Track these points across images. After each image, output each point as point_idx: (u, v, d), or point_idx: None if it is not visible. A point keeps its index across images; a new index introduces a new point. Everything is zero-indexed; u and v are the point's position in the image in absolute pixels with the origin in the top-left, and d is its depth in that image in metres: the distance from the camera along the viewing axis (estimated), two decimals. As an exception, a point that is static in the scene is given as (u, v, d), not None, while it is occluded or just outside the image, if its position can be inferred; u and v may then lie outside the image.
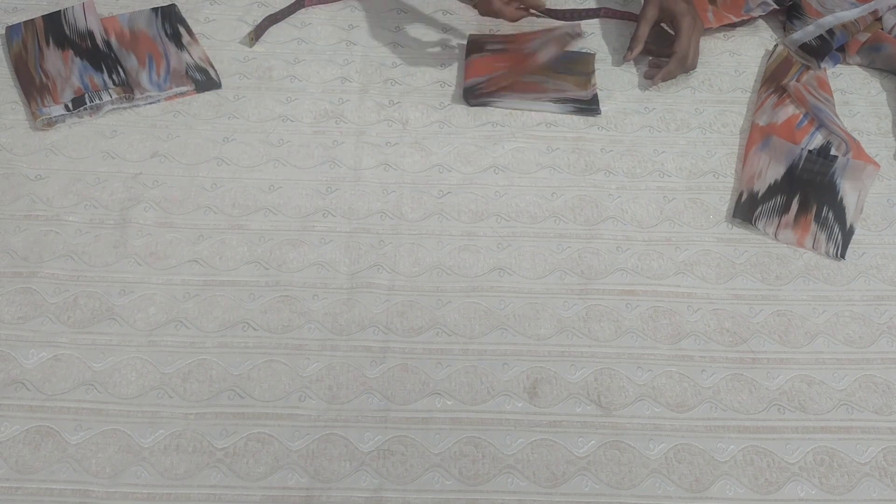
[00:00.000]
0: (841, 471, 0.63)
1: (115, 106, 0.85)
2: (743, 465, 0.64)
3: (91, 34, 0.89)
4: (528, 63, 0.88)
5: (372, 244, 0.76)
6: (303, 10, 0.97)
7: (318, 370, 0.68)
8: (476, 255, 0.76)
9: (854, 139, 0.83)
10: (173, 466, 0.62)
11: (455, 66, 0.93)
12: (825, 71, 0.91)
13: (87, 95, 0.83)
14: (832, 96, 0.89)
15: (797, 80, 0.89)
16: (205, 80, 0.88)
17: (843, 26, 0.92)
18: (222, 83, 0.89)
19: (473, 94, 0.88)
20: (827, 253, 0.77)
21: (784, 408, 0.67)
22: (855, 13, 0.92)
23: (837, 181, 0.80)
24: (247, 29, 0.95)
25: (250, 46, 0.93)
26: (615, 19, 0.98)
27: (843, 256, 0.77)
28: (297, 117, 0.87)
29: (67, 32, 0.89)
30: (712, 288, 0.74)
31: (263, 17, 0.95)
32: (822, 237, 0.77)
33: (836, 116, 0.87)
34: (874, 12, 0.92)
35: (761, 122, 0.86)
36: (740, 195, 0.80)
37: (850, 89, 0.92)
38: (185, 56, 0.89)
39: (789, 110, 0.86)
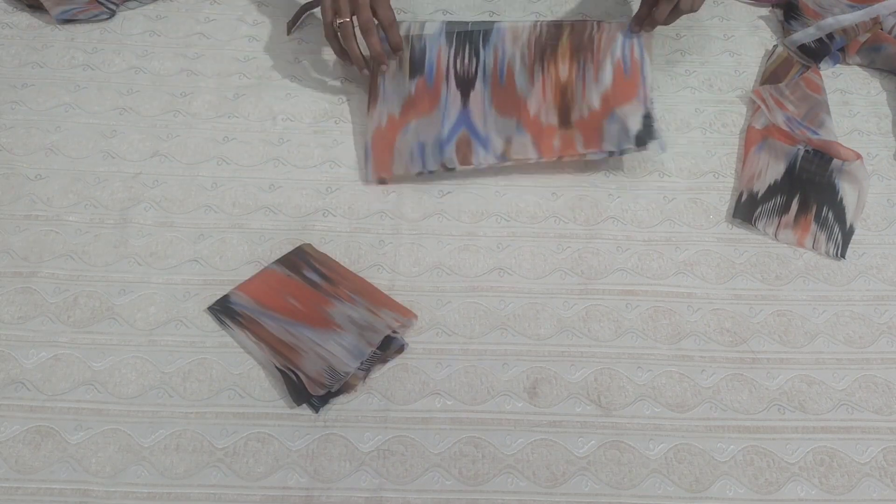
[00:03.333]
0: (841, 471, 0.63)
1: None
2: (743, 465, 0.64)
3: None
4: None
5: (372, 244, 0.76)
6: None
7: (318, 370, 0.68)
8: (476, 255, 0.76)
9: (828, 141, 0.82)
10: (173, 466, 0.62)
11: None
12: (817, 72, 0.91)
13: None
14: (822, 94, 0.89)
15: (796, 81, 0.89)
16: None
17: (843, 30, 0.92)
18: (221, 82, 0.89)
19: None
20: (827, 253, 0.77)
21: (784, 408, 0.67)
22: (856, 17, 0.92)
23: (836, 181, 0.80)
24: (247, 28, 0.95)
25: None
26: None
27: (843, 256, 0.77)
28: (297, 117, 0.87)
29: None
30: (712, 288, 0.74)
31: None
32: (822, 237, 0.77)
33: (828, 115, 0.86)
34: (874, 17, 0.92)
35: (758, 125, 0.86)
36: (740, 195, 0.80)
37: (850, 89, 0.92)
38: None
39: (784, 114, 0.87)
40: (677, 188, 0.82)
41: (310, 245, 0.75)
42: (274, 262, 0.73)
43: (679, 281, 0.75)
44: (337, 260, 0.74)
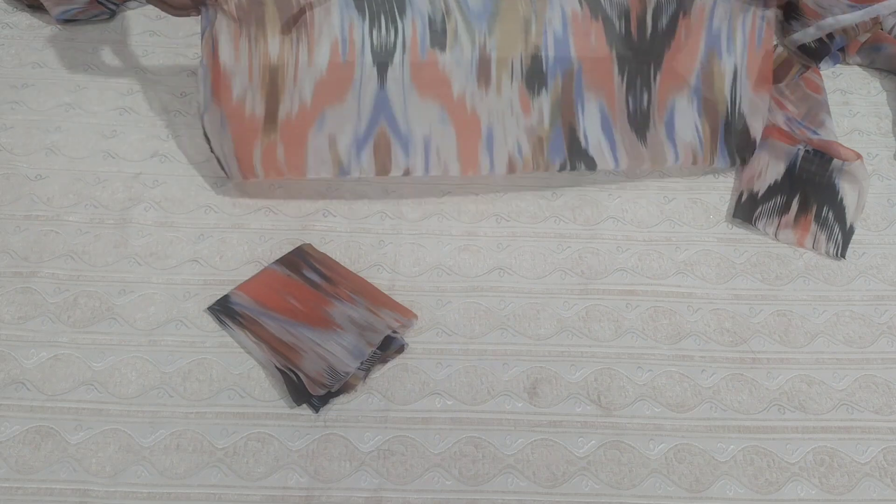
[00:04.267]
0: (841, 471, 0.63)
1: None
2: (743, 465, 0.64)
3: None
4: None
5: (372, 244, 0.76)
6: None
7: (318, 370, 0.68)
8: (476, 255, 0.76)
9: (828, 141, 0.82)
10: (173, 466, 0.62)
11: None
12: (817, 72, 0.91)
13: None
14: (822, 94, 0.89)
15: (796, 81, 0.89)
16: None
17: (843, 30, 0.92)
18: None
19: None
20: (827, 253, 0.77)
21: (784, 408, 0.67)
22: (856, 17, 0.92)
23: (836, 181, 0.80)
24: (247, 29, 0.95)
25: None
26: None
27: (843, 256, 0.77)
28: (298, 117, 0.86)
29: None
30: (712, 288, 0.74)
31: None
32: (822, 237, 0.77)
33: (828, 115, 0.86)
34: (874, 17, 0.92)
35: None
36: (740, 195, 0.80)
37: (850, 89, 0.92)
38: None
39: (784, 114, 0.87)
40: (677, 188, 0.82)
41: (310, 245, 0.75)
42: (274, 262, 0.73)
43: (679, 281, 0.75)
44: (337, 260, 0.74)
